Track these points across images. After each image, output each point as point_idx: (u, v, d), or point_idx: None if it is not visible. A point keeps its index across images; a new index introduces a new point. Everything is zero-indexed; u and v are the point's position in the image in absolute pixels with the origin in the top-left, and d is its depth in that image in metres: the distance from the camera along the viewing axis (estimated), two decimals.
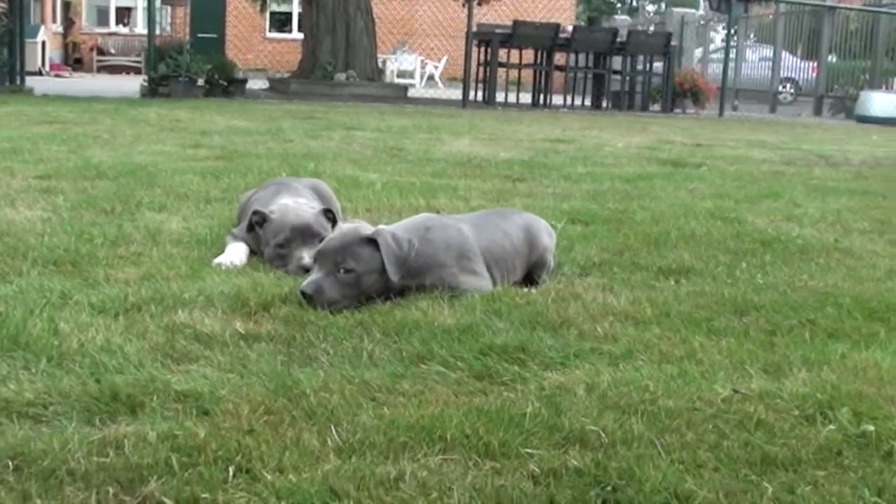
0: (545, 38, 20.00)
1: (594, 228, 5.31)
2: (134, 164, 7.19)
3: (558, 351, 3.09)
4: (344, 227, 3.75)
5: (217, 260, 4.10)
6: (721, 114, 20.49)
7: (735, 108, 23.37)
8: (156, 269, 3.90)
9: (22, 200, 5.46)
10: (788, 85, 27.33)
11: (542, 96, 20.62)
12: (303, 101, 17.42)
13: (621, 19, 33.29)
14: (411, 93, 22.08)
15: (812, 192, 7.49)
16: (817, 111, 23.48)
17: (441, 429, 2.38)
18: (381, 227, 3.72)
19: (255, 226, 4.22)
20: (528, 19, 23.00)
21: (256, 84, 20.88)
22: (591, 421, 2.49)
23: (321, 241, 4.07)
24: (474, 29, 19.51)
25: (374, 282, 3.58)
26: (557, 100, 20.97)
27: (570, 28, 21.31)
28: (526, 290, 3.87)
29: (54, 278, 3.70)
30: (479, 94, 20.44)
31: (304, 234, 4.12)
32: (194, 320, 3.22)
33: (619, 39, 20.33)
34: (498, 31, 20.13)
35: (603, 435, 2.41)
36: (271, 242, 4.14)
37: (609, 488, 2.15)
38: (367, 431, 2.37)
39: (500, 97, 20.28)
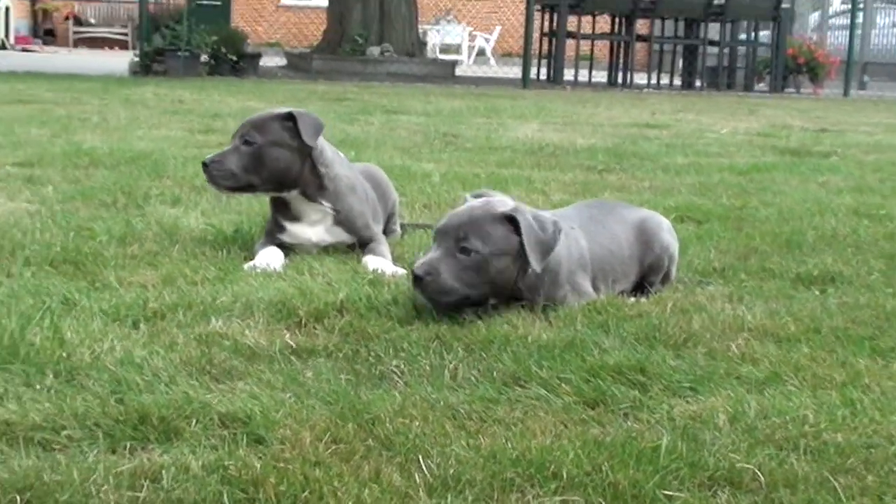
0: (624, 2, 19.93)
1: (709, 227, 5.25)
2: (134, 150, 7.21)
3: (685, 373, 3.03)
4: (474, 201, 3.67)
5: (250, 264, 4.07)
6: (846, 93, 20.35)
7: (863, 86, 23.15)
8: (178, 272, 3.89)
9: (1, 191, 5.48)
10: None
11: (620, 74, 20.53)
12: (329, 81, 17.46)
13: None
14: (460, 71, 22.09)
15: None
16: None
17: (555, 464, 2.33)
18: (520, 204, 3.66)
19: None
20: None
21: (271, 61, 20.96)
22: (741, 458, 2.43)
23: (246, 143, 4.22)
24: None
25: (503, 269, 3.52)
26: (639, 79, 20.88)
27: None
28: (634, 299, 3.82)
29: (53, 280, 3.71)
30: (543, 71, 20.39)
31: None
32: (233, 331, 3.20)
33: (715, 2, 20.20)
34: None
35: (759, 475, 2.35)
36: None
37: None
38: (463, 466, 2.32)
39: (568, 75, 20.23)
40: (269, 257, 4.14)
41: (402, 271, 4.07)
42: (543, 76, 20.29)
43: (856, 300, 3.95)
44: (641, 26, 20.69)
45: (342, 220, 4.37)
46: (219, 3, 32.11)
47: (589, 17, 20.28)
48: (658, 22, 20.79)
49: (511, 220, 3.51)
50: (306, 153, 4.26)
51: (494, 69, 24.57)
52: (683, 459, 2.40)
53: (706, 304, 3.78)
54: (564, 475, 2.29)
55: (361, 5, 20.35)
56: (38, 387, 2.68)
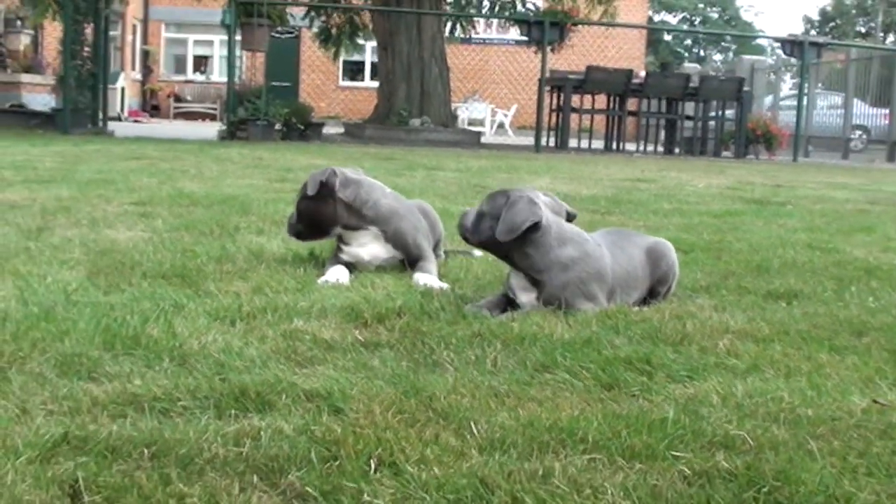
0: (618, 84, 19.93)
1: (694, 256, 5.19)
2: (225, 194, 7.21)
3: (683, 364, 2.98)
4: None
5: (322, 279, 4.04)
6: (795, 159, 20.22)
7: (808, 154, 23.04)
8: (264, 283, 3.86)
9: (121, 223, 5.50)
10: (859, 132, 26.92)
11: (614, 142, 20.49)
12: (379, 145, 17.46)
13: (691, 67, 33.16)
14: (483, 140, 22.08)
15: None
16: (890, 158, 23.09)
17: (582, 431, 2.28)
18: (545, 193, 3.85)
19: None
20: (591, 64, 22.78)
21: (332, 130, 21.00)
22: (733, 427, 2.38)
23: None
24: (547, 75, 19.45)
25: (488, 227, 3.65)
26: (629, 146, 20.82)
27: (642, 74, 21.23)
28: (637, 308, 3.77)
29: (165, 289, 3.69)
30: (551, 140, 20.37)
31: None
32: (311, 328, 3.17)
33: (691, 85, 20.18)
34: (571, 76, 20.10)
35: (749, 440, 2.30)
36: None
37: (765, 490, 2.04)
38: (507, 431, 2.27)
39: (572, 143, 20.18)
40: (338, 273, 4.11)
41: (446, 286, 4.03)
42: (552, 143, 20.22)
43: (815, 311, 3.89)
44: (632, 104, 20.64)
45: (391, 238, 4.35)
46: (289, 84, 32.23)
47: (589, 96, 20.25)
48: (645, 100, 20.72)
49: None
50: (333, 201, 4.26)
51: (512, 139, 24.56)
52: (687, 428, 2.35)
53: (696, 312, 3.73)
54: (590, 439, 2.24)
55: (406, 86, 20.41)
56: (156, 368, 2.66)
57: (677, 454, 2.19)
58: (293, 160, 11.81)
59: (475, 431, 2.25)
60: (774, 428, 2.41)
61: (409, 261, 4.34)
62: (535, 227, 3.60)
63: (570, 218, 3.88)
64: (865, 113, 26.60)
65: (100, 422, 2.24)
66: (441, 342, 3.09)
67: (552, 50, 19.54)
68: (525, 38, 20.71)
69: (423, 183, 9.33)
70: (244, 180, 8.73)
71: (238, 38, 17.99)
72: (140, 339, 2.89)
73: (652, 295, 3.97)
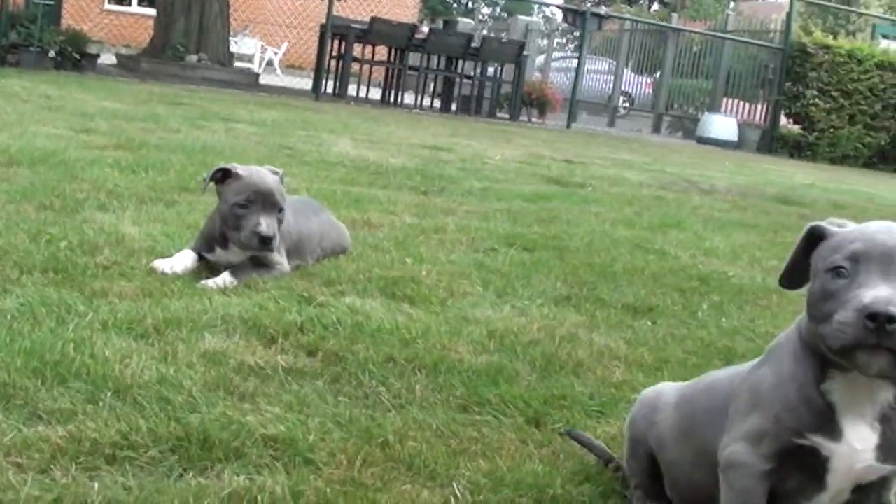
0: (401, 38, 19.97)
1: (539, 256, 5.32)
2: (39, 149, 6.79)
3: (592, 398, 3.10)
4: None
5: (203, 283, 3.90)
6: (569, 126, 20.84)
7: (575, 119, 23.79)
8: (150, 285, 3.71)
9: None
10: (622, 98, 27.98)
11: (392, 94, 20.55)
12: (156, 82, 16.90)
13: (464, 22, 33.50)
14: (261, 80, 21.73)
15: (707, 223, 7.62)
16: (656, 128, 24.16)
17: (549, 487, 2.37)
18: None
19: (216, 182, 4.14)
20: (375, 16, 22.62)
21: (104, 60, 20.15)
22: None
23: (280, 211, 4.09)
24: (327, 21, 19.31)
25: None
26: (408, 98, 20.92)
27: (425, 29, 21.32)
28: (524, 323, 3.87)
29: (51, 290, 3.49)
30: (329, 85, 20.21)
31: (266, 200, 4.06)
32: (229, 349, 3.09)
33: (473, 45, 20.45)
34: (354, 25, 20.00)
35: None
36: (230, 200, 4.06)
37: None
38: (479, 488, 2.33)
39: (350, 91, 20.12)
40: (178, 260, 4.08)
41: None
42: (330, 90, 20.06)
43: (679, 332, 4.08)
44: (412, 58, 20.74)
45: None
46: (51, 3, 30.63)
47: (370, 47, 20.21)
48: (425, 56, 20.84)
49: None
50: None
51: (284, 80, 24.26)
52: None
53: (579, 334, 3.84)
54: (560, 499, 2.33)
55: (185, 18, 19.83)
56: (100, 404, 2.51)
57: None
58: (84, 101, 11.27)
59: (457, 492, 2.29)
60: None
61: None
62: None
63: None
64: (628, 80, 27.66)
65: (78, 481, 2.13)
66: (360, 369, 3.07)
67: None
68: None
69: (230, 140, 9.05)
70: (46, 128, 8.27)
71: None
72: (66, 364, 2.73)
73: None
